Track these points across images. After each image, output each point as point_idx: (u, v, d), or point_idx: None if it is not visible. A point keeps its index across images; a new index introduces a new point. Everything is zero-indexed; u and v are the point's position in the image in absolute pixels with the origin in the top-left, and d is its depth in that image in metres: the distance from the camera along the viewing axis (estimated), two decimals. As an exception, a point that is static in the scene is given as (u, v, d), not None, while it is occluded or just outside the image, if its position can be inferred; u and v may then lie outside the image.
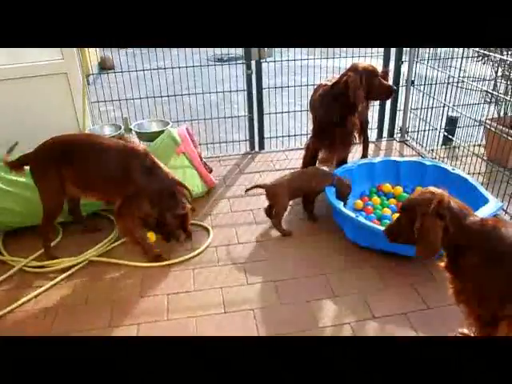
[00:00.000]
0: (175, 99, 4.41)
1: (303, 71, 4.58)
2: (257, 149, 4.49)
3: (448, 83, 4.02)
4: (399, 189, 3.35)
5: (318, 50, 4.45)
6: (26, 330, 2.39)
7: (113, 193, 2.81)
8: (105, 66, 8.72)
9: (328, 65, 4.69)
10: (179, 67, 4.33)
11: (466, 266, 1.82)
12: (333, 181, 3.14)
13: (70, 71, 3.66)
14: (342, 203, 3.00)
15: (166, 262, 2.86)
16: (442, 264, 1.96)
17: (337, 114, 3.29)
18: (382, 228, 2.73)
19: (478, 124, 4.21)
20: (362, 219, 2.82)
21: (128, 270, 2.83)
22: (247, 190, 3.23)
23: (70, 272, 2.79)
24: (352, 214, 2.86)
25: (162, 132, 3.70)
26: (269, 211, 3.23)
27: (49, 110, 3.67)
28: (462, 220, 1.83)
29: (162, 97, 4.35)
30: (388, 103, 4.52)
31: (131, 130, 4.10)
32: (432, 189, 1.94)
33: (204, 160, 3.81)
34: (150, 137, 3.89)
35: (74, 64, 3.66)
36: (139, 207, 2.76)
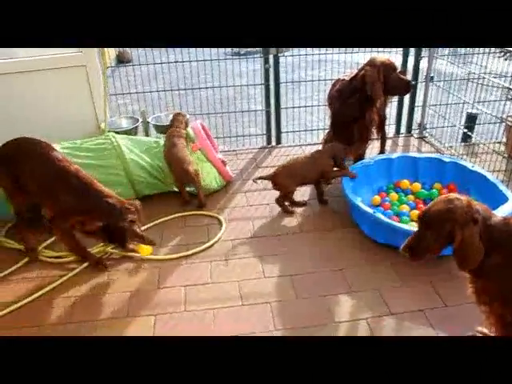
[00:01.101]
0: (192, 92, 4.43)
1: (321, 66, 4.57)
2: (274, 143, 4.47)
3: (468, 79, 3.97)
4: (417, 185, 3.31)
5: (336, 44, 4.42)
6: (44, 320, 2.42)
7: (47, 204, 2.80)
8: (122, 59, 8.78)
9: (346, 59, 4.67)
10: (197, 61, 4.33)
11: (489, 265, 1.79)
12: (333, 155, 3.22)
13: (89, 64, 3.68)
14: (360, 198, 2.98)
15: (182, 254, 2.88)
16: None
17: (355, 109, 3.27)
18: (401, 225, 2.73)
19: (498, 121, 4.15)
20: (379, 215, 2.80)
21: (145, 261, 2.85)
22: (255, 179, 3.33)
23: (87, 263, 2.81)
24: (370, 210, 2.84)
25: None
26: (280, 201, 3.28)
27: (67, 103, 3.69)
28: (487, 221, 1.80)
29: (179, 90, 4.37)
30: (406, 99, 4.48)
31: (148, 122, 4.12)
32: (455, 195, 1.88)
33: (220, 153, 3.82)
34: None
35: (92, 57, 3.68)
36: (66, 222, 2.72)
